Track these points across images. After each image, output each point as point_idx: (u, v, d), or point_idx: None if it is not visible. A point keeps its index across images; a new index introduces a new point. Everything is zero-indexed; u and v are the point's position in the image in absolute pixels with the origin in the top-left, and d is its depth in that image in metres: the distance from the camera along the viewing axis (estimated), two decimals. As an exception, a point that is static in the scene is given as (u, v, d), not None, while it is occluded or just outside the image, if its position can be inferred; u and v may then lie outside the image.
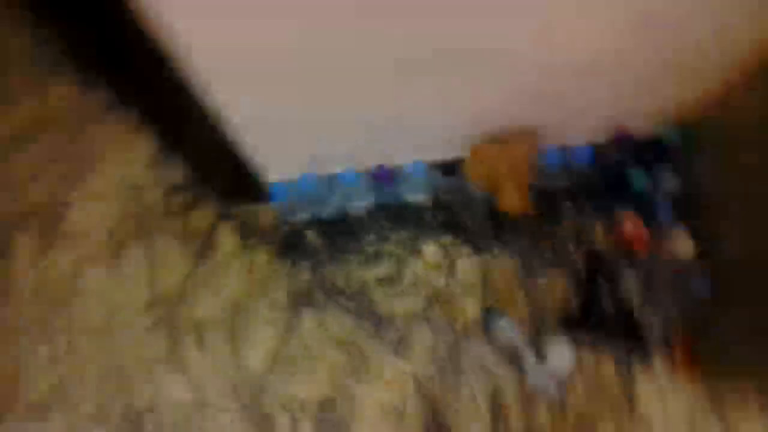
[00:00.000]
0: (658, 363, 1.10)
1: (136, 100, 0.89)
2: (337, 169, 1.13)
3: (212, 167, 1.03)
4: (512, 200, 1.10)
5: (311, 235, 1.13)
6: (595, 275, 1.15)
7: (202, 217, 1.10)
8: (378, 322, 1.11)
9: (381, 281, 1.14)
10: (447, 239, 1.17)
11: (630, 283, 1.11)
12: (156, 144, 1.06)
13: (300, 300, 1.11)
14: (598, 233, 1.17)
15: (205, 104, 0.82)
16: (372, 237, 1.16)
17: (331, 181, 1.14)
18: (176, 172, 1.08)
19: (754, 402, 1.05)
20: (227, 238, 1.10)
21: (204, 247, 1.08)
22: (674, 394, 1.11)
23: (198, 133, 0.92)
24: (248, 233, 1.11)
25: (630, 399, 1.11)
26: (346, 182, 1.12)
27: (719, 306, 1.06)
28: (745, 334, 0.98)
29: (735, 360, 1.03)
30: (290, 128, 0.95)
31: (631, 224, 1.13)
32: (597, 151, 1.16)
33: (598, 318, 1.13)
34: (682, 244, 1.06)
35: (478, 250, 1.17)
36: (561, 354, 1.10)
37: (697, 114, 1.12)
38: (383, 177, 1.13)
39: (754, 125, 1.00)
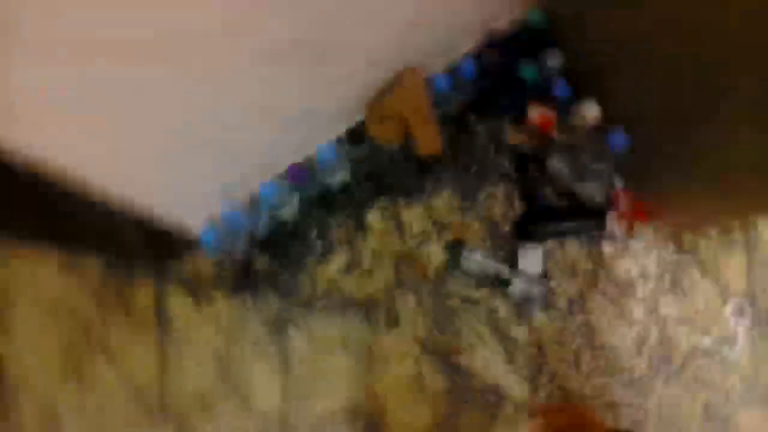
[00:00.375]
0: (614, 225, 1.15)
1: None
2: (255, 186, 1.10)
3: (124, 245, 0.98)
4: (426, 139, 1.10)
5: (258, 260, 1.11)
6: (525, 173, 1.18)
7: (143, 295, 1.05)
8: (360, 308, 1.11)
9: (344, 270, 1.13)
10: (384, 203, 1.17)
11: (558, 166, 1.15)
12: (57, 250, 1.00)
13: (279, 325, 1.09)
14: (512, 133, 1.19)
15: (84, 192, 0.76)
16: (315, 233, 1.14)
17: (254, 199, 1.10)
18: (93, 266, 1.02)
19: (713, 232, 1.14)
20: (178, 304, 1.06)
21: (160, 323, 1.04)
22: (640, 246, 1.18)
23: (90, 221, 0.86)
24: (196, 288, 1.08)
25: (603, 266, 1.17)
26: (268, 195, 1.09)
27: (642, 152, 1.11)
28: (673, 171, 1.04)
29: (674, 197, 1.10)
30: (184, 174, 0.90)
31: (536, 113, 1.15)
32: (479, 58, 1.17)
33: (545, 209, 1.17)
34: (589, 111, 1.09)
35: (415, 199, 1.17)
36: (529, 257, 1.14)
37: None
38: (300, 174, 1.10)
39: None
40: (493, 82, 1.17)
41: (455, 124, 1.20)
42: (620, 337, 1.15)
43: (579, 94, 1.13)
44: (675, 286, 1.18)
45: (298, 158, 1.11)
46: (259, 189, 1.08)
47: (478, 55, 1.16)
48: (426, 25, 1.00)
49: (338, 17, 0.79)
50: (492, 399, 1.10)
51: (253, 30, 0.70)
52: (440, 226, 1.17)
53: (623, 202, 1.15)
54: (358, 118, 1.14)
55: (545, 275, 1.16)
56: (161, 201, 0.93)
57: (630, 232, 1.17)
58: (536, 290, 1.13)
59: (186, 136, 0.81)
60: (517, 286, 1.12)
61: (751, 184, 0.90)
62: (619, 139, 1.08)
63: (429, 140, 1.10)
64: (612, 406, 1.12)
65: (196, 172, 0.92)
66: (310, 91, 0.94)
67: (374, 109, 1.09)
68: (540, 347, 1.13)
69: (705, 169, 0.99)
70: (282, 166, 1.10)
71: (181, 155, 0.86)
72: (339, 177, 1.15)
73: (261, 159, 1.04)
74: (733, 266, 1.20)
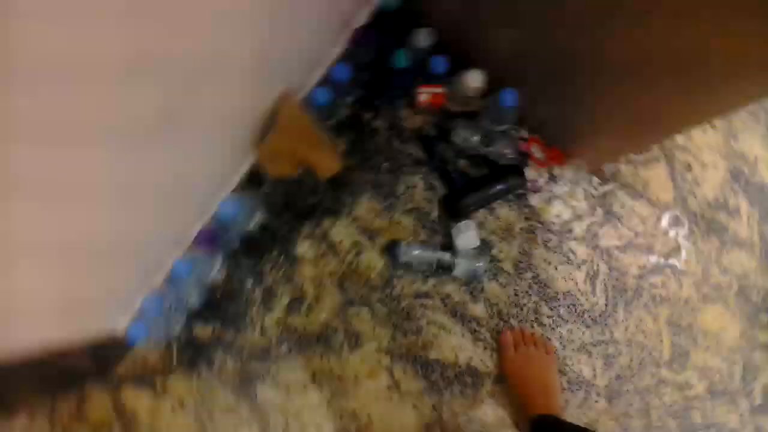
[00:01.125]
0: (534, 176, 1.14)
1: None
2: (169, 264, 1.06)
3: (63, 376, 0.95)
4: (322, 163, 1.06)
5: (200, 331, 1.08)
6: (435, 153, 1.16)
7: (99, 408, 1.03)
8: (318, 340, 1.11)
9: (290, 309, 1.12)
10: (309, 229, 1.14)
11: (464, 137, 1.12)
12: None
13: (244, 385, 1.08)
14: (410, 118, 1.16)
15: None
16: (250, 283, 1.11)
17: (174, 276, 1.07)
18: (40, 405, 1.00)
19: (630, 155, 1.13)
20: (137, 401, 1.04)
21: (125, 425, 1.02)
22: (564, 189, 1.17)
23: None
24: (149, 380, 1.06)
25: (536, 219, 1.17)
26: (184, 270, 1.05)
27: (538, 102, 1.08)
28: (574, 111, 1.02)
29: (582, 134, 1.08)
30: (94, 286, 0.86)
31: (423, 93, 1.12)
32: (350, 59, 1.12)
33: (465, 183, 1.15)
34: (471, 80, 1.06)
35: (337, 215, 1.15)
36: (464, 234, 1.12)
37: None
38: (209, 239, 1.07)
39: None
40: (372, 76, 1.13)
41: (352, 128, 1.16)
42: (572, 281, 1.16)
43: (460, 64, 1.10)
44: (609, 216, 1.18)
45: (204, 222, 1.07)
46: (174, 266, 1.04)
47: (348, 56, 1.12)
48: (288, 47, 0.94)
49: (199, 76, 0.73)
50: (470, 381, 1.12)
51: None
52: (370, 233, 1.15)
53: (536, 152, 1.14)
54: (251, 160, 1.10)
55: (485, 246, 1.15)
56: (82, 319, 0.90)
57: (551, 178, 1.16)
58: (480, 264, 1.13)
59: (89, 252, 0.76)
60: (461, 266, 1.12)
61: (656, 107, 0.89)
62: (509, 96, 1.05)
63: (325, 162, 1.06)
64: (583, 349, 1.14)
65: (107, 278, 0.88)
66: (193, 154, 0.88)
67: (262, 149, 1.05)
68: (500, 316, 1.14)
69: (603, 105, 0.98)
70: (190, 236, 1.06)
71: (87, 270, 0.81)
72: (255, 220, 1.12)
73: (166, 239, 1.00)
74: (657, 180, 1.20)
